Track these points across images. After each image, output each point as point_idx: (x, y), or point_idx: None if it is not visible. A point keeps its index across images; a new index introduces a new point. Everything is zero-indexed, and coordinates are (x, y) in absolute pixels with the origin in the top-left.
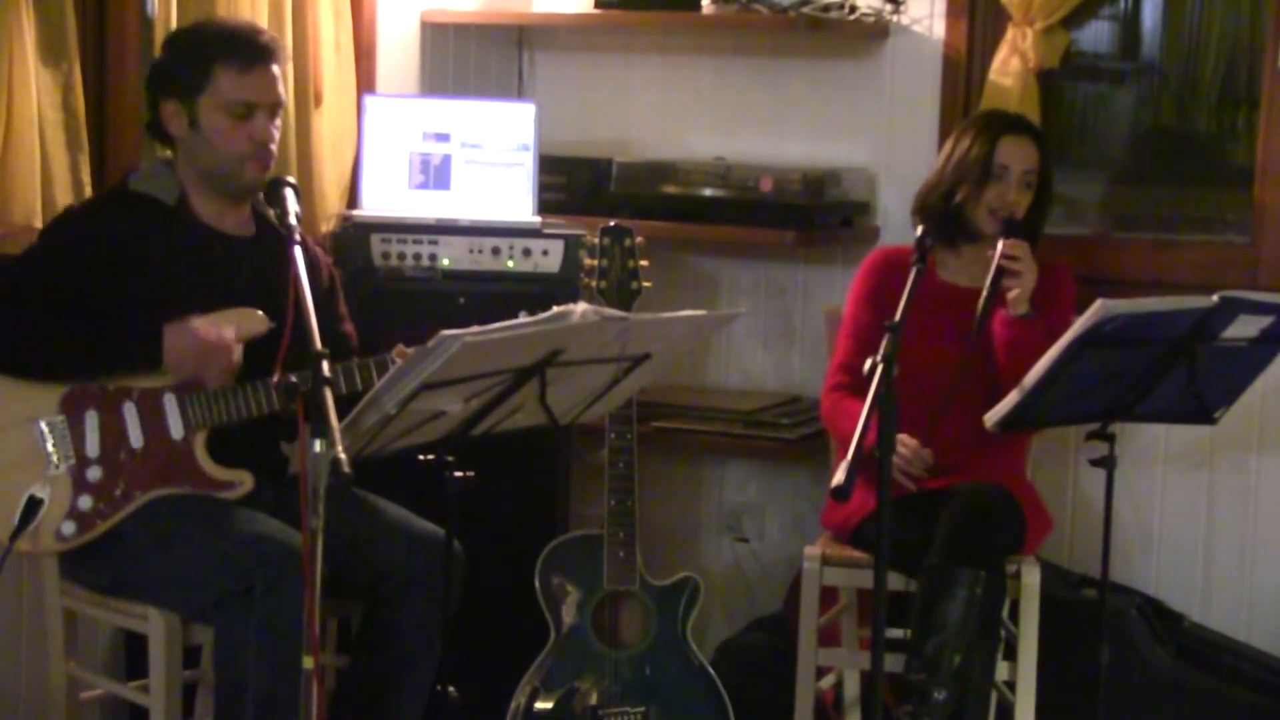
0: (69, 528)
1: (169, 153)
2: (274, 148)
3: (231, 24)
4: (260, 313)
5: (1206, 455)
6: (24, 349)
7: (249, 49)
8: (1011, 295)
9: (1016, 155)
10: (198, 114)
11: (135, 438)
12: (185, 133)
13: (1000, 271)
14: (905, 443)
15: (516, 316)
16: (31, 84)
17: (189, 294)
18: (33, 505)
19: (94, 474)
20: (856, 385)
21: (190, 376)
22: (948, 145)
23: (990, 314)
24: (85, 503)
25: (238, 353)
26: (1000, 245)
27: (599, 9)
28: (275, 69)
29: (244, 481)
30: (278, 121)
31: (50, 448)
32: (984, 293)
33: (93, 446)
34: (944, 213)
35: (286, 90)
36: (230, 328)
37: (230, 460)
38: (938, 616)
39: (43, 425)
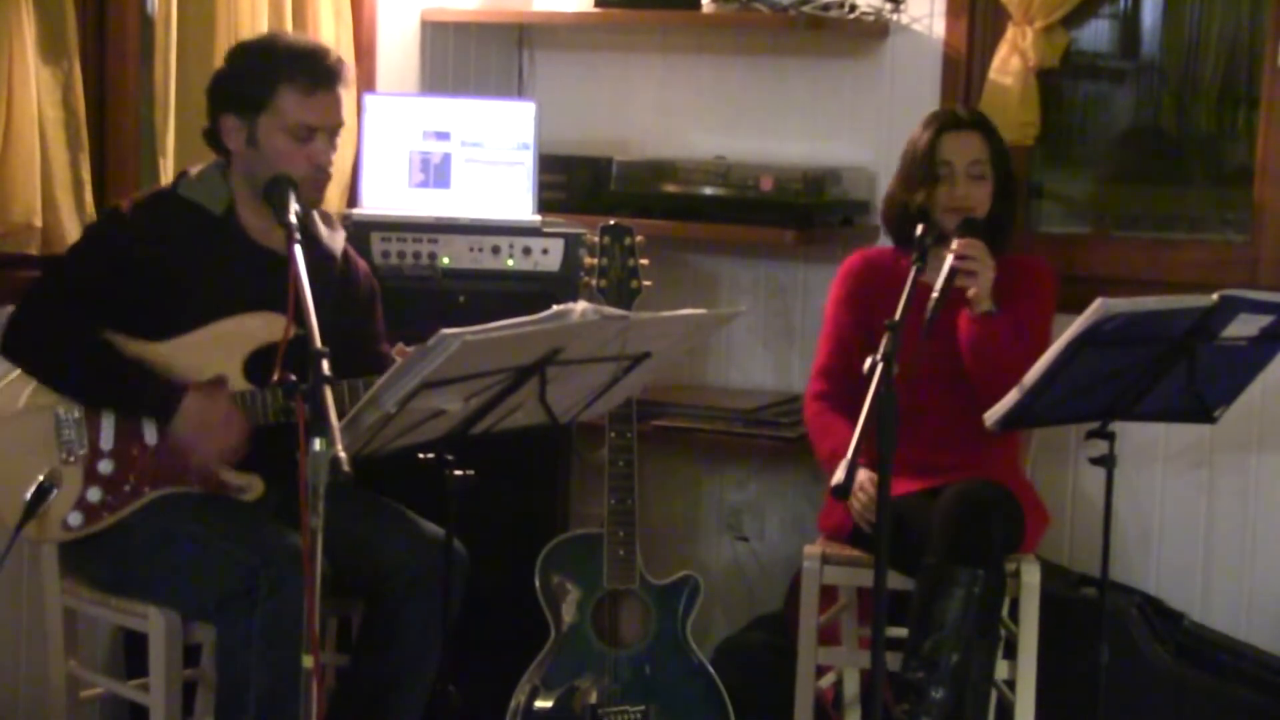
0: (75, 518)
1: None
2: (331, 170)
3: (300, 43)
4: (285, 319)
5: (1206, 454)
6: (51, 364)
7: (316, 71)
8: (970, 294)
9: (957, 150)
10: (257, 132)
11: (150, 434)
12: (243, 148)
13: (954, 272)
14: (865, 488)
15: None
16: (31, 82)
17: (225, 304)
18: (42, 492)
19: (105, 467)
20: (836, 392)
21: (188, 444)
22: (903, 150)
23: (938, 314)
24: (94, 495)
25: (240, 445)
26: (955, 244)
27: (599, 8)
28: (340, 91)
29: (254, 486)
30: (336, 142)
31: (65, 437)
32: (934, 293)
33: (107, 439)
34: (907, 217)
35: (346, 110)
36: (245, 426)
37: (242, 463)
38: (935, 615)
39: (60, 414)
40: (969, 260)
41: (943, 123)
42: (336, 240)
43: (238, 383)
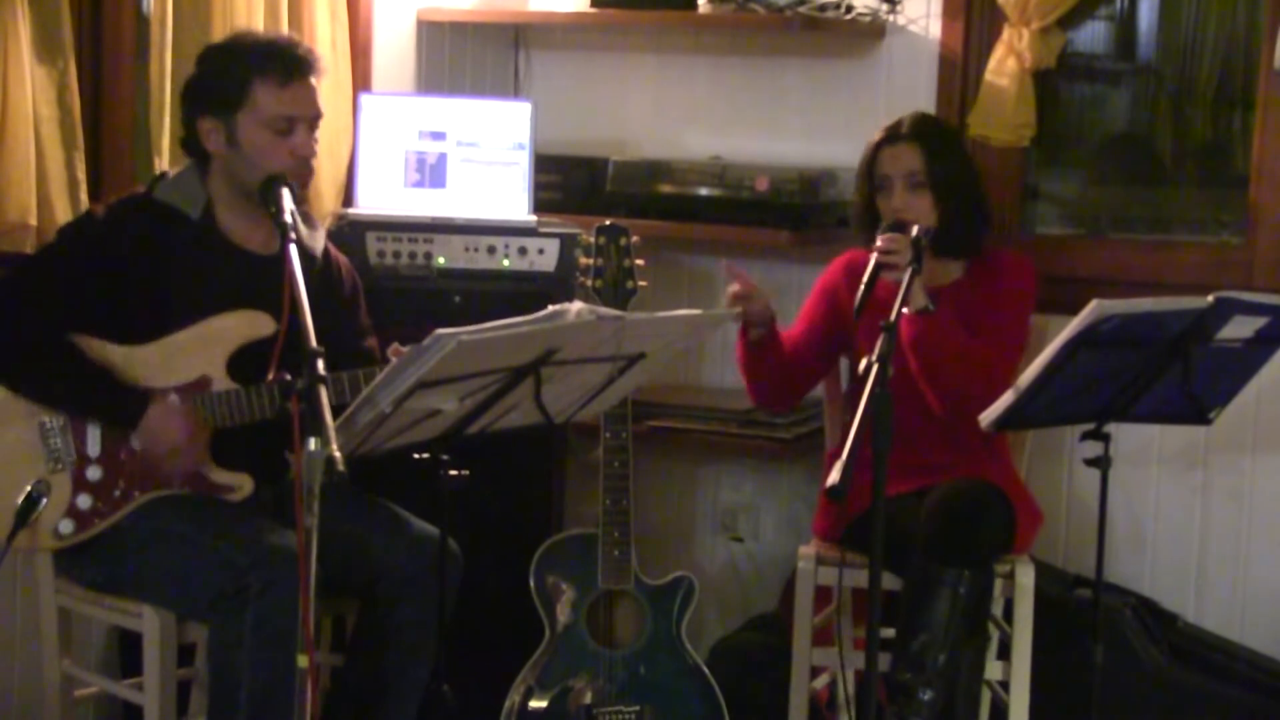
0: (67, 526)
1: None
2: (314, 163)
3: (268, 37)
4: (267, 316)
5: (1201, 456)
6: (17, 365)
7: (288, 62)
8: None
9: (893, 162)
10: (236, 130)
11: (136, 438)
12: (223, 149)
13: (878, 266)
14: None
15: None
16: (27, 81)
17: (204, 307)
18: (31, 501)
19: (94, 473)
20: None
21: (150, 454)
22: None
23: (865, 308)
24: (84, 501)
25: (201, 460)
26: (878, 241)
27: (595, 8)
28: (314, 81)
29: (243, 485)
30: (316, 134)
31: (52, 445)
32: (860, 290)
33: (94, 446)
34: (864, 219)
35: (322, 100)
36: (203, 440)
37: (231, 462)
38: (923, 616)
39: (45, 422)
40: (890, 254)
41: (883, 137)
42: (317, 239)
43: (222, 382)
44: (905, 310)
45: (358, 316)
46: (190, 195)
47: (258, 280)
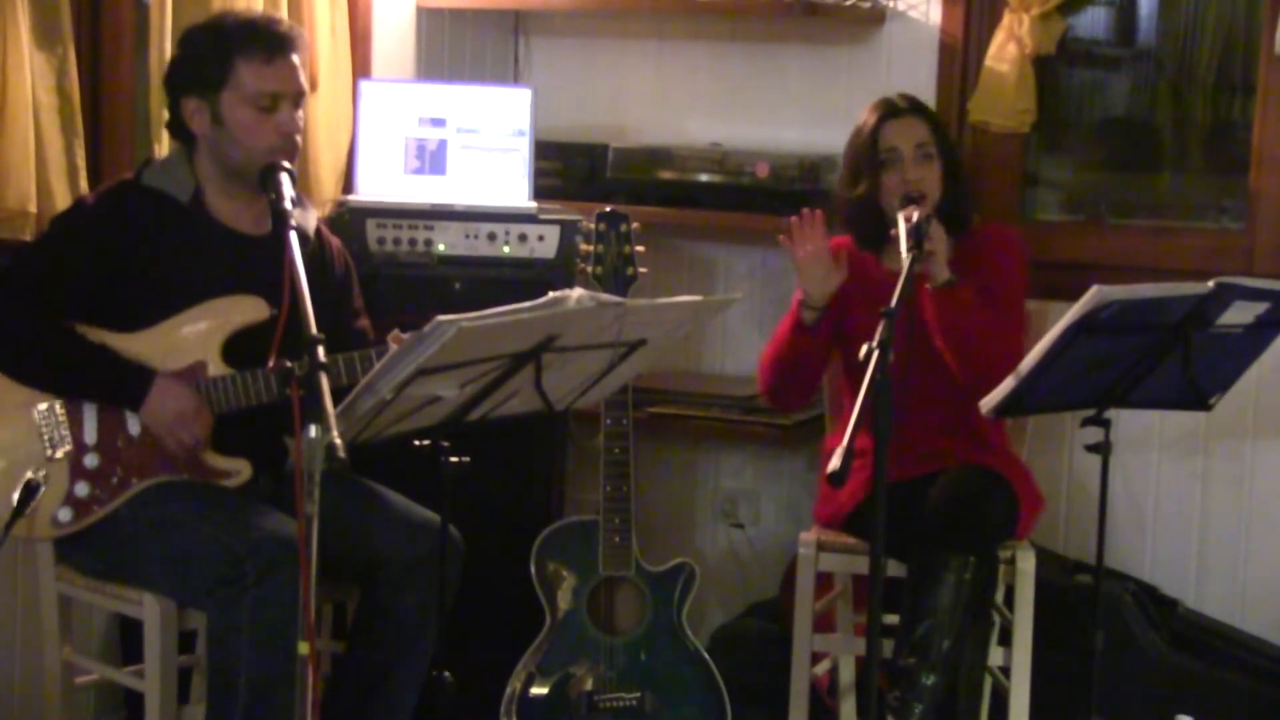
0: (65, 514)
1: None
2: (299, 139)
3: (248, 15)
4: (261, 300)
5: (1201, 442)
6: (16, 355)
7: (270, 39)
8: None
9: (901, 134)
10: (221, 109)
11: (133, 425)
12: (208, 129)
13: (920, 237)
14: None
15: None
16: (26, 68)
17: (197, 291)
18: (29, 490)
19: (91, 461)
20: None
21: (154, 430)
22: (846, 146)
23: (915, 285)
24: (82, 489)
25: (205, 438)
26: (901, 215)
27: None
28: (296, 58)
29: (242, 470)
30: (301, 111)
31: (48, 433)
32: (907, 263)
33: (90, 433)
34: (864, 211)
35: (306, 77)
36: (206, 416)
37: (230, 449)
38: (926, 602)
39: (41, 410)
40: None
41: (883, 112)
42: (308, 219)
43: (217, 367)
44: (927, 286)
45: (350, 298)
46: (179, 179)
47: (250, 261)
